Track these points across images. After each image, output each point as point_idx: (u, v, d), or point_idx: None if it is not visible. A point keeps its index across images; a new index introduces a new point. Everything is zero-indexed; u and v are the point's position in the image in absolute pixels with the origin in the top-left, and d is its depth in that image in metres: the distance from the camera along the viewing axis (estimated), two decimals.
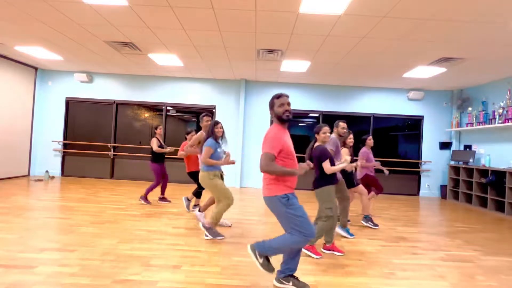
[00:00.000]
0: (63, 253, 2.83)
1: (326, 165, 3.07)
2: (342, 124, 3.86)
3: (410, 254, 3.34)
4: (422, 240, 3.89)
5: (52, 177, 7.43)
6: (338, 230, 3.80)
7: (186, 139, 4.99)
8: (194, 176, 4.45)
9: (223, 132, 3.59)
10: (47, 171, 7.21)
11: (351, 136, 4.22)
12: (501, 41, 4.31)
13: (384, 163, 7.68)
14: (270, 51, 5.30)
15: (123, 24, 4.42)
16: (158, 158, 5.10)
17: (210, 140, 3.45)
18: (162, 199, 5.31)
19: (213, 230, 3.44)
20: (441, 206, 6.48)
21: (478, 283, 2.68)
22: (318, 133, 3.23)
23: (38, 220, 3.87)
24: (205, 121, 4.00)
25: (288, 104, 2.27)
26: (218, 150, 3.50)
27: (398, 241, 3.79)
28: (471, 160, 6.77)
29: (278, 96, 2.28)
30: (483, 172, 6.40)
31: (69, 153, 7.90)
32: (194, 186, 4.73)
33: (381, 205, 6.19)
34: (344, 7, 3.55)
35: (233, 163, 3.50)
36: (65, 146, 7.92)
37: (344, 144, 4.17)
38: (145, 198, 5.08)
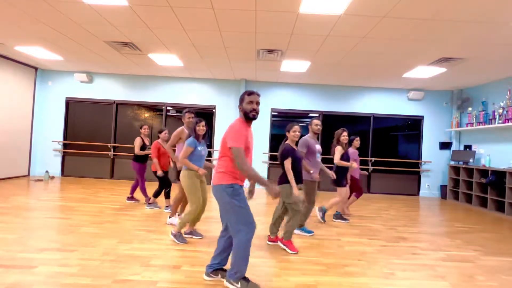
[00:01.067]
0: (63, 253, 2.83)
1: (287, 164, 3.16)
2: (315, 121, 3.85)
3: (410, 254, 3.34)
4: (422, 240, 3.89)
5: (52, 177, 7.43)
6: (296, 231, 3.82)
7: (158, 137, 4.76)
8: (160, 176, 4.53)
9: (206, 131, 3.41)
10: (47, 171, 7.21)
11: (345, 133, 4.35)
12: (501, 41, 4.31)
13: (384, 163, 7.73)
14: (270, 51, 5.30)
15: (123, 24, 4.42)
16: (140, 157, 5.01)
17: (191, 139, 3.28)
18: (131, 198, 5.21)
19: (180, 235, 3.35)
20: (441, 206, 6.48)
21: (478, 283, 2.68)
22: (288, 131, 3.29)
23: (38, 220, 3.87)
24: (187, 118, 3.90)
25: (257, 103, 2.27)
26: (199, 148, 3.31)
27: (398, 241, 3.79)
28: (471, 160, 6.78)
29: (249, 93, 2.28)
30: (483, 172, 6.40)
31: (69, 153, 7.90)
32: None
33: (381, 205, 6.19)
34: (344, 7, 3.55)
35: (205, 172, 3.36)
36: (65, 146, 7.92)
37: (338, 142, 4.36)
38: (132, 197, 5.22)
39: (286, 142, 3.30)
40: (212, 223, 4.11)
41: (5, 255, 2.72)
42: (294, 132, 3.24)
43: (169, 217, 3.99)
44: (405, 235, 4.07)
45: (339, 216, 4.62)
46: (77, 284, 2.27)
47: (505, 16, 3.57)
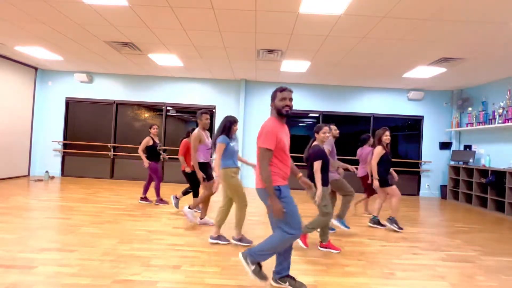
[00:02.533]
0: (63, 253, 2.82)
1: (317, 165, 3.12)
2: (333, 127, 4.03)
3: (410, 254, 3.34)
4: (422, 240, 3.89)
5: (52, 177, 7.43)
6: (333, 221, 3.93)
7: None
8: (188, 174, 4.37)
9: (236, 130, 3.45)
10: (47, 171, 7.21)
11: (387, 133, 4.18)
12: (501, 41, 4.31)
13: None
14: (270, 51, 5.30)
15: (123, 24, 4.42)
16: (153, 156, 5.05)
17: (222, 137, 3.24)
18: (144, 199, 5.21)
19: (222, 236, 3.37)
20: (441, 206, 6.48)
21: (478, 283, 2.68)
22: (318, 132, 3.25)
23: (38, 220, 3.87)
24: (204, 119, 3.85)
25: (290, 99, 2.24)
26: (231, 144, 3.29)
27: (398, 241, 3.78)
28: (471, 160, 6.77)
29: (282, 90, 2.23)
30: (483, 172, 6.40)
31: (69, 153, 7.90)
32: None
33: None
34: (344, 7, 3.55)
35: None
36: (65, 146, 7.92)
37: (379, 142, 4.19)
38: (160, 199, 5.11)
39: (315, 143, 3.25)
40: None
41: (5, 255, 2.72)
42: (324, 133, 3.21)
43: (200, 218, 4.00)
44: (405, 235, 4.07)
45: (376, 221, 4.40)
46: (77, 284, 2.27)
47: (505, 16, 3.57)
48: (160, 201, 5.11)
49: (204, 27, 4.37)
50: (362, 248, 3.45)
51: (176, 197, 4.68)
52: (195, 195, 4.41)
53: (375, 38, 4.47)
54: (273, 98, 2.27)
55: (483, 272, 2.92)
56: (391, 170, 4.35)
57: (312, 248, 3.36)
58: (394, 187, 4.16)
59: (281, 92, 2.23)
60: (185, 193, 4.71)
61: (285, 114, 2.22)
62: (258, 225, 4.17)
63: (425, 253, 3.39)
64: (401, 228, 4.21)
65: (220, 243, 3.33)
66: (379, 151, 4.13)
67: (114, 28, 4.58)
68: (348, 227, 4.02)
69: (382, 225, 4.34)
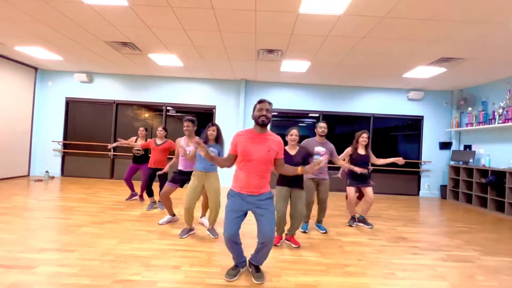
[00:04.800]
0: (63, 253, 2.83)
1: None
2: (319, 124, 3.99)
3: (410, 254, 3.34)
4: (422, 240, 3.89)
5: (52, 177, 7.42)
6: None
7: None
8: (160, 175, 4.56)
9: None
10: (47, 171, 7.21)
11: (364, 135, 4.31)
12: (501, 41, 4.31)
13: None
14: (270, 51, 5.30)
15: (123, 24, 4.42)
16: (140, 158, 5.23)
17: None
18: (141, 196, 5.36)
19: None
20: (441, 206, 6.48)
21: (478, 283, 2.68)
22: (286, 135, 3.46)
23: (38, 220, 3.87)
24: (184, 126, 3.79)
25: (267, 110, 2.35)
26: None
27: (398, 241, 3.79)
28: (471, 160, 6.78)
29: (260, 102, 2.39)
30: (483, 172, 6.40)
31: (69, 153, 7.90)
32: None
33: (381, 205, 6.19)
34: (344, 7, 3.55)
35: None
36: (65, 146, 7.91)
37: (356, 143, 4.35)
38: (141, 195, 5.33)
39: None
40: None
41: (5, 255, 2.72)
42: (291, 135, 3.38)
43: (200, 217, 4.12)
44: (405, 235, 4.07)
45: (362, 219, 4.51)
46: (77, 284, 2.27)
47: (505, 16, 3.57)
48: (141, 197, 5.35)
49: (204, 27, 4.37)
50: (362, 248, 3.45)
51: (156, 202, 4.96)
52: (151, 194, 4.83)
53: (375, 38, 4.47)
54: (253, 110, 2.42)
55: (483, 272, 2.92)
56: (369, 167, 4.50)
57: (312, 248, 3.36)
58: (350, 188, 4.33)
59: (259, 104, 2.38)
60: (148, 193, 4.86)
61: (261, 124, 2.35)
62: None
63: (425, 253, 3.39)
64: (351, 226, 4.38)
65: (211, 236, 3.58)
66: (347, 149, 4.35)
67: (114, 28, 4.58)
68: (325, 230, 4.03)
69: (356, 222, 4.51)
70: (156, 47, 5.41)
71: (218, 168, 3.29)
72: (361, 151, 4.31)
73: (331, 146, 3.98)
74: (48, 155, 7.81)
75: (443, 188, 7.55)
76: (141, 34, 4.77)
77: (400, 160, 4.13)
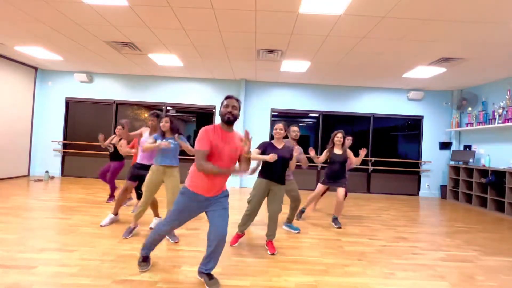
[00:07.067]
0: (63, 253, 2.82)
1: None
2: (292, 128, 3.96)
3: (410, 254, 3.34)
4: (422, 240, 3.89)
5: (52, 177, 7.42)
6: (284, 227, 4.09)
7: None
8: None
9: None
10: (47, 171, 7.21)
11: (339, 135, 4.37)
12: (501, 41, 4.31)
13: (384, 163, 7.73)
14: (270, 51, 5.30)
15: (123, 24, 4.42)
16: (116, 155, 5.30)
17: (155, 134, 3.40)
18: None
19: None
20: (441, 206, 6.48)
21: (478, 283, 2.68)
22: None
23: (38, 220, 3.87)
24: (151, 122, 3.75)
25: (233, 107, 2.27)
26: (159, 141, 3.30)
27: (398, 241, 3.79)
28: (471, 160, 6.78)
29: (227, 97, 2.31)
30: (483, 172, 6.40)
31: (69, 153, 7.90)
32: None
33: (381, 205, 6.19)
34: (344, 7, 3.55)
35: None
36: (65, 146, 7.91)
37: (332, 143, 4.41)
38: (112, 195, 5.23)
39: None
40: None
41: (5, 255, 2.72)
42: (275, 129, 3.40)
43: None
44: (405, 235, 4.07)
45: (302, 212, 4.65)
46: (77, 284, 2.27)
47: (505, 16, 3.57)
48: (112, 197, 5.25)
49: (204, 27, 4.37)
50: (362, 248, 3.45)
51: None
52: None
53: (375, 38, 4.47)
54: (220, 105, 2.34)
55: (483, 272, 2.92)
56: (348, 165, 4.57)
57: (312, 248, 3.36)
58: (320, 185, 4.38)
59: (226, 100, 2.30)
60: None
61: (226, 121, 2.26)
62: (258, 226, 4.17)
63: (425, 253, 3.39)
64: (297, 219, 4.50)
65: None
66: (325, 151, 4.37)
67: (114, 28, 4.58)
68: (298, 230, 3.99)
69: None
70: (156, 47, 5.41)
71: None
72: (338, 150, 4.31)
73: (293, 147, 3.86)
74: (48, 155, 7.81)
75: (443, 188, 7.55)
76: (141, 34, 4.77)
77: (363, 150, 4.20)
